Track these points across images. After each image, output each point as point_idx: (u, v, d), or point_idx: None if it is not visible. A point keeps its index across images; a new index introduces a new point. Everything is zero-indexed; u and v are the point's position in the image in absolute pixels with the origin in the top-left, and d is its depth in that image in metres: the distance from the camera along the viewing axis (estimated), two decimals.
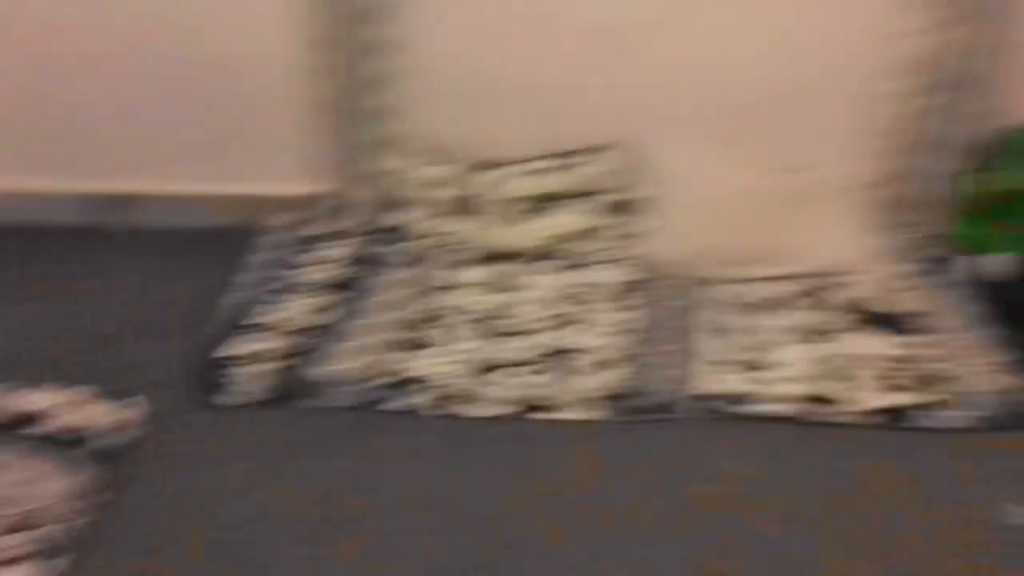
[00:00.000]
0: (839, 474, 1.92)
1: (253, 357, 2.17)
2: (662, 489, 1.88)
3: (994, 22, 2.34)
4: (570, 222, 2.58)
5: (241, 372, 2.14)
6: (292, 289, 2.45)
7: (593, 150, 2.63)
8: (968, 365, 2.13)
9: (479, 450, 1.98)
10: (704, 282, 2.46)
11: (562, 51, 2.54)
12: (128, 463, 1.91)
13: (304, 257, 2.59)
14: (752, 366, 2.15)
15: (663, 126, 2.58)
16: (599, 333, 2.27)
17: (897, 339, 2.23)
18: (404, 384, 2.11)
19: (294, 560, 1.70)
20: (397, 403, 2.08)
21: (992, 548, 1.73)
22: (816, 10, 2.43)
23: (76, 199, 2.81)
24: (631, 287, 2.45)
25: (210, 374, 2.14)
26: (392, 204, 2.69)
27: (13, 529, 1.68)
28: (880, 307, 2.34)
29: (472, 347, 2.23)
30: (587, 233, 2.58)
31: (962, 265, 2.45)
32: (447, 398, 2.08)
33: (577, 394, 2.08)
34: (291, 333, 2.27)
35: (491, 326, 2.31)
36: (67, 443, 1.91)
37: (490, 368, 2.15)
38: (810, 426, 2.04)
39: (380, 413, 2.08)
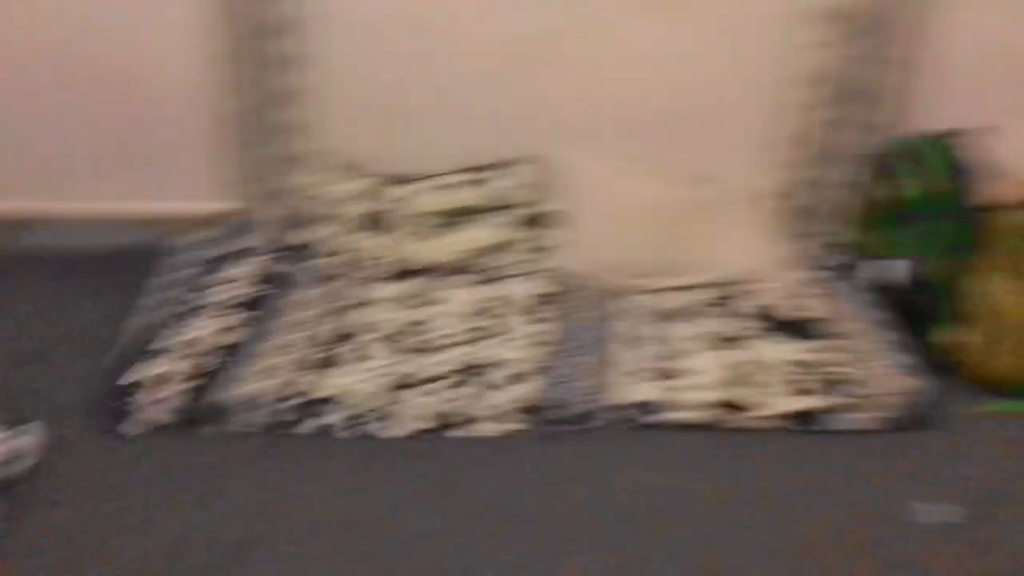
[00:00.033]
0: (753, 479, 1.96)
1: (159, 381, 2.12)
2: (580, 501, 1.90)
3: (891, 36, 2.43)
4: (483, 236, 2.59)
5: (146, 397, 2.08)
6: (199, 310, 2.40)
7: (505, 164, 2.64)
8: (872, 368, 2.19)
9: (394, 469, 1.97)
10: (617, 293, 2.49)
11: (472, 65, 2.56)
12: (25, 493, 1.85)
13: (212, 277, 2.54)
14: (666, 375, 2.18)
15: (573, 140, 2.62)
16: (514, 346, 2.28)
17: (804, 344, 2.29)
18: (316, 404, 2.08)
19: None
20: (309, 424, 2.06)
21: (901, 545, 1.79)
22: (721, 23, 2.49)
23: None
24: (545, 300, 2.47)
25: (114, 400, 2.09)
26: (302, 221, 2.67)
27: None
28: (788, 313, 2.40)
29: (385, 364, 2.21)
30: (500, 247, 2.59)
31: (865, 271, 2.53)
32: (361, 417, 2.07)
33: (493, 408, 2.09)
34: (198, 355, 2.22)
35: (405, 342, 2.30)
36: None
37: (404, 385, 2.14)
38: (723, 432, 2.08)
39: (292, 435, 2.05)
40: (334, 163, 2.63)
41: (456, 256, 2.58)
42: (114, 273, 2.59)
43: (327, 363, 2.21)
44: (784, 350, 2.27)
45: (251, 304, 2.42)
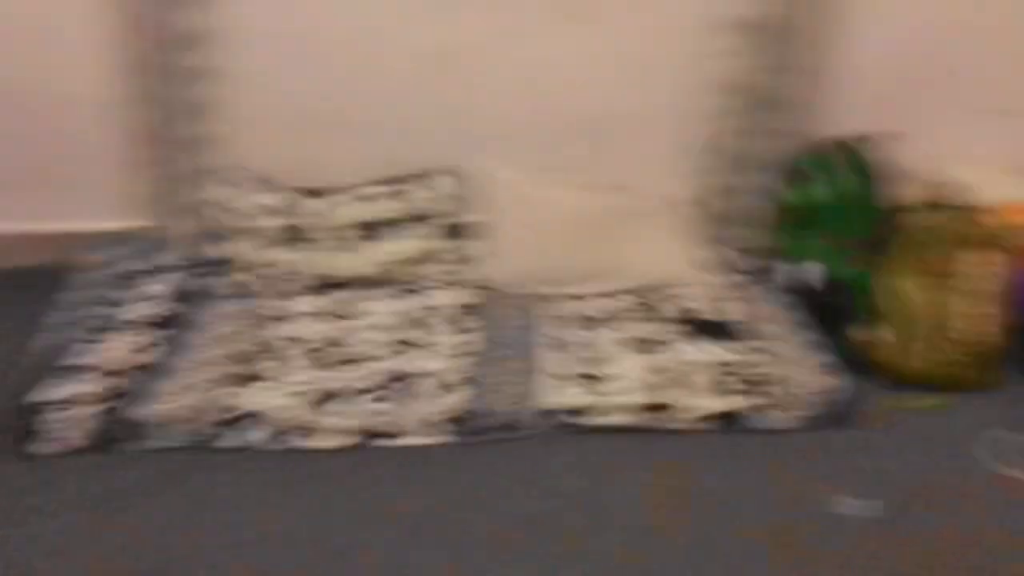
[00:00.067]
0: (680, 480, 2.00)
1: (70, 401, 2.07)
2: (510, 508, 1.92)
3: (799, 44, 2.52)
4: (403, 248, 2.60)
5: (58, 417, 2.03)
6: (112, 327, 2.35)
7: (423, 175, 2.66)
8: (791, 368, 2.26)
9: (319, 484, 1.97)
10: (541, 300, 2.53)
11: (388, 76, 2.57)
12: None
13: (125, 293, 2.50)
14: (591, 379, 2.22)
15: (492, 150, 2.65)
16: (438, 357, 2.29)
17: (726, 346, 2.35)
18: (238, 420, 2.06)
19: None
20: (232, 440, 2.04)
21: (825, 541, 1.86)
22: (636, 33, 2.54)
23: None
24: (469, 309, 2.49)
25: (23, 420, 2.03)
26: (216, 236, 2.63)
27: None
28: (709, 316, 2.47)
29: (309, 378, 2.20)
30: (421, 259, 2.60)
31: (780, 274, 2.61)
32: (285, 432, 2.06)
33: (420, 419, 2.10)
34: (112, 374, 2.17)
35: (328, 355, 2.29)
36: None
37: (329, 398, 2.13)
38: (650, 434, 2.12)
39: (214, 452, 2.03)
40: (247, 177, 2.61)
41: (376, 268, 2.57)
42: (25, 293, 2.51)
43: (248, 378, 2.19)
44: (706, 352, 2.32)
45: (166, 321, 2.39)
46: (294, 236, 2.57)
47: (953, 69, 2.62)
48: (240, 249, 2.58)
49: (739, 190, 2.72)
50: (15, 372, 2.17)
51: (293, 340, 2.34)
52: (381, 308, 2.48)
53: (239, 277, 2.55)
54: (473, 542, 1.83)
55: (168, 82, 2.49)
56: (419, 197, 2.63)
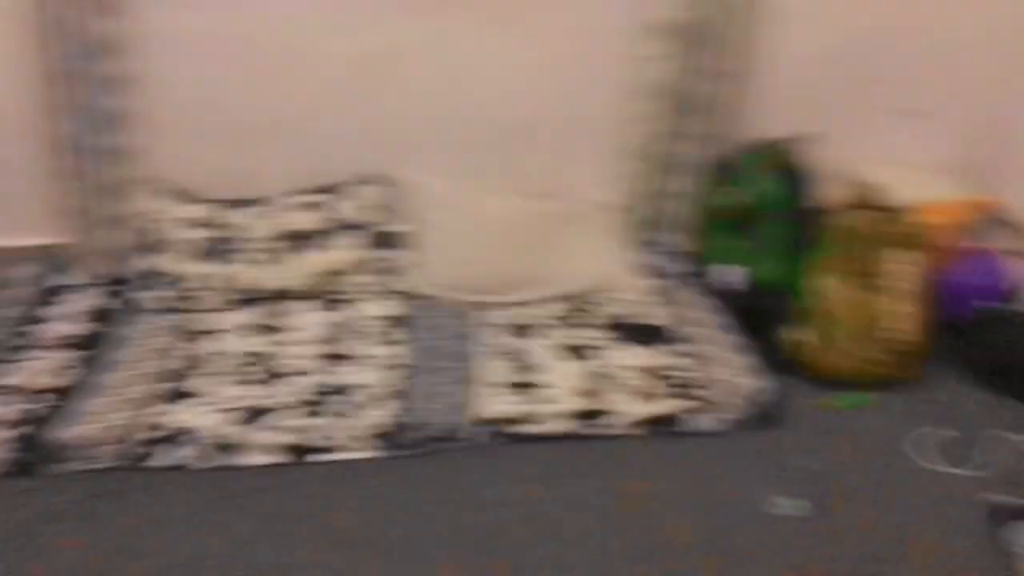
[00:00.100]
0: (614, 485, 2.05)
1: None
2: (447, 520, 1.94)
3: (727, 48, 2.58)
4: (332, 258, 2.59)
5: None
6: (34, 346, 2.32)
7: (349, 185, 2.67)
8: (719, 371, 2.33)
9: (252, 501, 1.97)
10: (472, 309, 2.55)
11: (311, 85, 2.58)
12: None
13: (47, 311, 2.47)
14: (525, 388, 2.25)
15: (419, 157, 2.67)
16: (370, 369, 2.30)
17: (656, 350, 2.41)
18: (169, 438, 2.05)
19: None
20: (162, 459, 2.03)
21: (756, 540, 1.92)
22: (563, 37, 2.58)
23: None
24: (399, 320, 2.50)
25: None
26: (144, 248, 2.58)
27: None
28: (639, 321, 2.52)
29: (240, 393, 2.20)
30: (350, 269, 2.60)
31: (707, 277, 2.68)
32: (216, 449, 2.05)
33: (353, 432, 2.11)
34: (34, 394, 2.15)
35: (258, 369, 2.29)
36: None
37: (260, 413, 2.13)
38: (583, 440, 2.17)
39: (144, 471, 2.02)
40: (168, 188, 2.59)
41: (304, 280, 2.57)
42: None
43: (175, 396, 2.18)
44: (635, 357, 2.38)
45: (86, 340, 2.36)
46: (219, 248, 2.55)
47: (871, 72, 2.72)
48: (164, 263, 2.54)
49: (666, 194, 2.78)
50: None
51: (220, 355, 2.33)
52: (310, 321, 2.49)
53: (163, 292, 2.52)
54: (408, 555, 1.85)
55: (86, 91, 2.45)
56: (346, 207, 2.64)
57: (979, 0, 2.66)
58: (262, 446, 2.07)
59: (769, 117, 2.70)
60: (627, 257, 2.72)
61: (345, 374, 2.28)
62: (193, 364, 2.29)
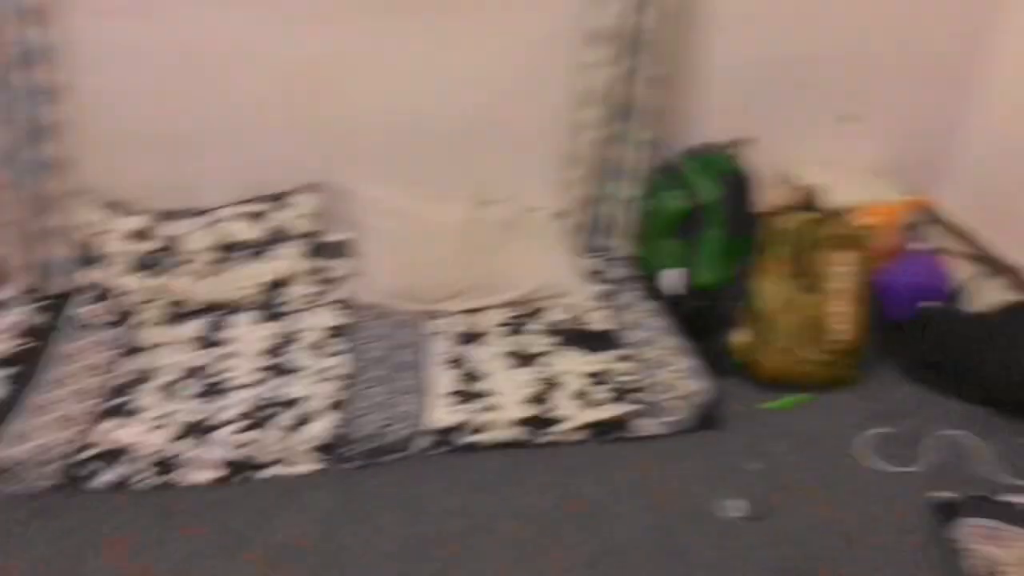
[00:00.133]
0: (563, 491, 2.08)
1: None
2: (393, 532, 1.96)
3: (665, 55, 2.62)
4: (268, 271, 2.58)
5: None
6: None
7: (286, 194, 2.67)
8: (662, 375, 2.36)
9: (195, 519, 1.96)
10: (414, 317, 2.56)
11: (250, 92, 2.57)
12: None
13: None
14: (472, 396, 2.27)
15: (358, 165, 2.68)
16: (314, 380, 2.30)
17: (599, 356, 2.44)
18: (108, 456, 2.04)
19: None
20: (102, 478, 2.02)
21: (702, 542, 1.96)
22: (507, 45, 2.61)
23: None
24: (344, 330, 2.50)
25: None
26: (80, 262, 2.55)
27: None
28: (584, 326, 2.55)
29: (181, 408, 2.19)
30: (288, 279, 2.60)
31: (649, 282, 2.72)
32: (157, 466, 2.04)
33: (297, 446, 2.11)
34: None
35: (199, 384, 2.28)
36: None
37: (201, 429, 2.12)
38: (532, 448, 2.19)
39: (83, 491, 2.00)
40: (103, 200, 2.56)
41: (240, 292, 2.56)
42: None
43: (119, 411, 2.16)
44: (580, 363, 2.41)
45: (20, 356, 2.32)
46: (157, 261, 2.53)
47: (807, 78, 2.79)
48: (100, 276, 2.52)
49: (609, 199, 2.81)
50: None
51: (156, 371, 2.32)
52: (251, 333, 2.48)
53: (105, 305, 2.49)
54: (354, 569, 1.86)
55: (15, 102, 2.40)
56: (282, 217, 2.64)
57: (909, 8, 2.74)
58: (204, 462, 2.06)
59: (709, 122, 2.77)
60: (571, 263, 2.75)
61: (288, 387, 2.27)
62: (132, 380, 2.28)
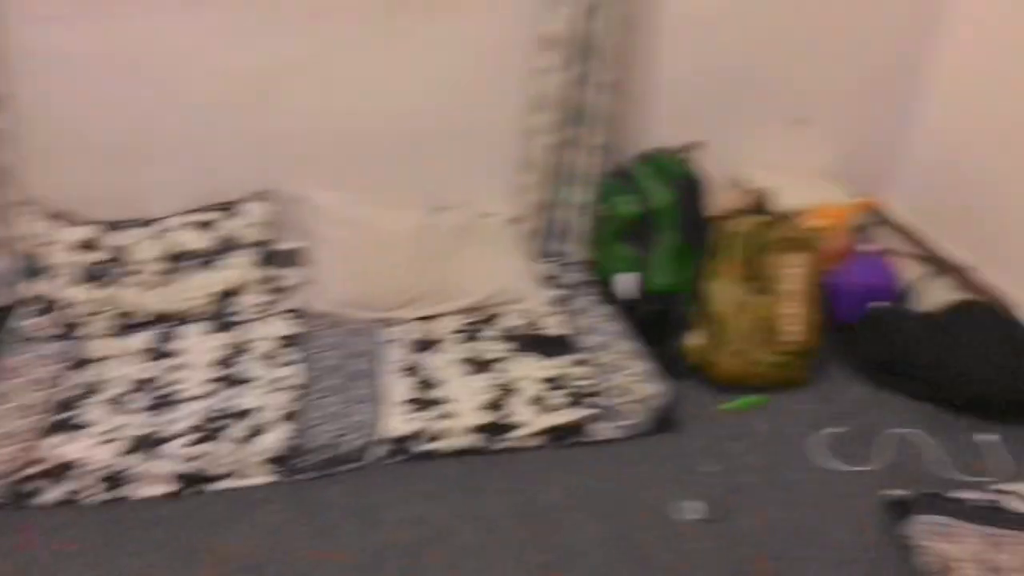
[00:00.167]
0: (520, 497, 2.08)
1: None
2: (349, 543, 1.94)
3: (615, 61, 2.63)
4: (218, 279, 2.56)
5: None
6: None
7: (235, 203, 2.64)
8: (617, 378, 2.37)
9: (146, 534, 1.93)
10: (368, 326, 2.55)
11: (197, 100, 2.55)
12: None
13: None
14: (428, 403, 2.26)
15: (309, 173, 2.66)
16: (267, 391, 2.28)
17: (555, 361, 2.44)
18: (56, 472, 2.00)
19: None
20: (50, 494, 1.98)
21: (659, 545, 1.97)
22: (459, 50, 2.61)
23: None
24: (295, 339, 2.48)
25: None
26: (25, 273, 2.50)
27: None
28: (537, 332, 2.56)
29: (130, 422, 2.15)
30: (238, 289, 2.57)
31: (603, 287, 2.73)
32: (106, 481, 2.01)
33: (250, 458, 2.08)
34: None
35: (149, 396, 2.25)
36: None
37: (151, 442, 2.09)
38: (489, 454, 2.19)
39: (30, 508, 1.96)
40: (45, 212, 2.52)
41: (190, 303, 2.53)
42: None
43: (67, 425, 2.13)
44: (536, 368, 2.41)
45: None
46: (105, 272, 2.49)
47: (757, 83, 2.83)
48: (41, 289, 2.48)
49: (560, 204, 2.82)
50: None
51: (104, 384, 2.28)
52: (202, 344, 2.45)
53: (52, 316, 2.45)
54: None
55: None
56: (231, 226, 2.61)
57: (857, 15, 2.79)
58: (154, 476, 2.03)
59: (660, 127, 2.79)
60: (526, 268, 2.76)
61: (240, 398, 2.25)
62: (79, 394, 2.24)
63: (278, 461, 2.09)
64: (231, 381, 2.31)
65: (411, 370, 2.38)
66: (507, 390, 2.32)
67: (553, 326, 2.58)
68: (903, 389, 2.46)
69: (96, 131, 2.50)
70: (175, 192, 2.61)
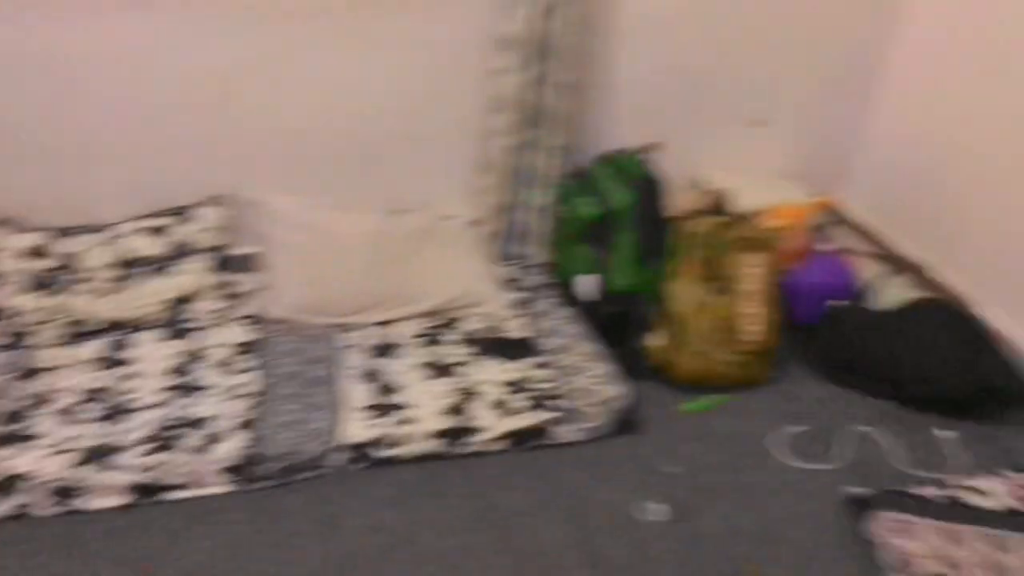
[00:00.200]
0: (482, 502, 2.07)
1: None
2: (309, 551, 1.92)
3: (574, 62, 2.63)
4: (170, 287, 2.52)
5: None
6: None
7: (187, 208, 2.61)
8: (578, 381, 2.37)
9: (101, 546, 1.90)
10: (326, 331, 2.53)
11: (148, 103, 2.51)
12: None
13: None
14: (388, 409, 2.24)
15: (264, 177, 2.64)
16: (223, 398, 2.25)
17: (516, 364, 2.44)
18: (7, 484, 1.96)
19: None
20: (1, 507, 1.94)
21: (623, 547, 1.97)
22: (416, 52, 2.60)
23: None
24: (252, 346, 2.46)
25: None
26: None
27: None
28: (498, 335, 2.55)
29: (83, 432, 2.12)
30: (192, 295, 2.54)
31: (564, 289, 2.73)
32: (58, 494, 1.97)
33: (207, 467, 2.05)
34: None
35: (102, 406, 2.21)
36: None
37: (105, 453, 2.05)
38: (451, 459, 2.18)
39: None
40: (3, 216, 2.48)
41: (144, 310, 2.49)
42: None
43: (17, 436, 2.09)
44: (497, 372, 2.40)
45: None
46: (54, 279, 2.45)
47: (714, 84, 2.85)
48: (2, 294, 2.45)
49: (520, 206, 2.82)
50: None
51: (56, 393, 2.24)
52: (156, 352, 2.41)
53: (2, 325, 2.41)
54: None
55: None
56: (184, 231, 2.58)
57: (813, 17, 2.82)
58: (108, 488, 1.99)
59: (619, 128, 2.80)
60: (486, 271, 2.75)
61: (195, 406, 2.22)
62: (29, 405, 2.20)
63: (236, 470, 2.06)
64: (186, 389, 2.28)
65: (371, 375, 2.36)
66: (468, 394, 2.31)
67: (514, 329, 2.57)
68: (862, 387, 2.48)
69: (42, 135, 2.46)
70: (126, 197, 2.57)
